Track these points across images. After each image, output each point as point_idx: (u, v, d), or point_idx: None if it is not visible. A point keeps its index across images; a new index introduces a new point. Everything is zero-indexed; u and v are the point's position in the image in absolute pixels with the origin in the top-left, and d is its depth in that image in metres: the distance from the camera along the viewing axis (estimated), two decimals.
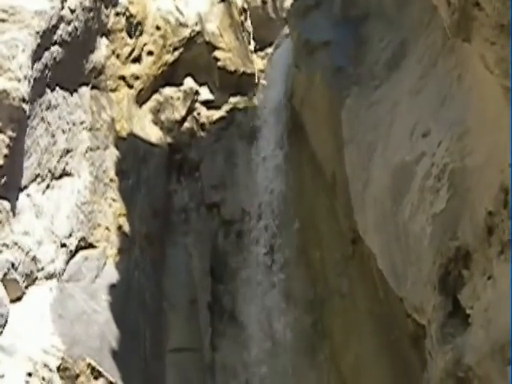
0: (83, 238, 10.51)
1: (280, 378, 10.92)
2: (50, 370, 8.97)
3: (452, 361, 5.14)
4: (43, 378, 8.84)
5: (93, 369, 9.70)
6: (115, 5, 12.31)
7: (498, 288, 4.71)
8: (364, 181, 7.82)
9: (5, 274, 8.57)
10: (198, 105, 13.66)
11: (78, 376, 9.40)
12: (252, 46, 14.69)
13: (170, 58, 13.40)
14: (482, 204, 4.92)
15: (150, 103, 13.20)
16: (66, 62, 10.13)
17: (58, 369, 9.14)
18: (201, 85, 13.79)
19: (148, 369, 11.01)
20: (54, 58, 9.77)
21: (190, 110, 13.54)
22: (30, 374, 8.68)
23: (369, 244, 7.72)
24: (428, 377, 5.89)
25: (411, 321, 6.46)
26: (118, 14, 12.39)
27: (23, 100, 8.60)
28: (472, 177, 5.25)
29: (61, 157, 10.20)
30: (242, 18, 14.59)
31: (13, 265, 8.72)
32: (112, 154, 11.80)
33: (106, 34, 12.08)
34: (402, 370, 7.91)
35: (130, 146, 12.17)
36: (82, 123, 10.93)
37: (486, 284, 4.90)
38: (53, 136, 9.96)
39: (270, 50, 14.10)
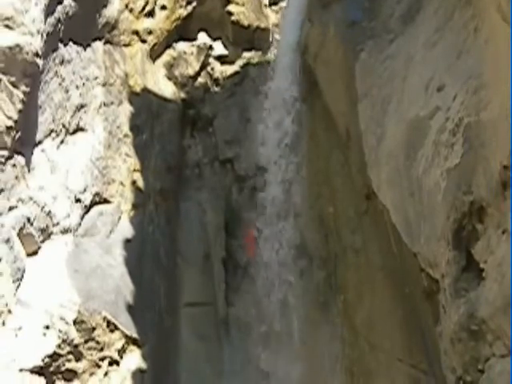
0: (98, 194, 10.56)
1: (294, 333, 10.99)
2: (67, 323, 9.08)
3: (465, 314, 5.16)
4: (60, 331, 8.96)
5: (108, 322, 9.82)
6: None
7: None
8: (378, 136, 7.78)
9: (21, 229, 8.64)
10: (211, 60, 13.59)
11: (94, 329, 9.53)
12: (266, 0, 14.53)
13: (183, 12, 13.30)
14: (497, 158, 4.88)
15: (164, 58, 13.15)
16: (78, 17, 10.08)
17: (75, 322, 9.25)
18: (214, 39, 13.71)
19: (163, 323, 11.11)
20: (67, 13, 9.72)
21: (204, 65, 13.48)
22: (47, 327, 8.79)
23: (382, 199, 7.70)
24: (441, 330, 5.92)
25: (425, 275, 6.46)
26: None
27: (36, 54, 8.58)
28: (487, 131, 5.21)
29: (75, 112, 10.20)
30: None
31: (28, 219, 8.79)
32: (126, 109, 11.78)
33: None
34: (415, 324, 7.94)
35: (143, 102, 12.15)
36: (95, 78, 10.91)
37: (500, 238, 4.89)
38: (67, 91, 9.95)
39: (283, 4, 13.93)
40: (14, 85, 8.43)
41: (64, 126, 9.91)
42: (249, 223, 11.98)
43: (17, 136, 8.54)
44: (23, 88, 8.51)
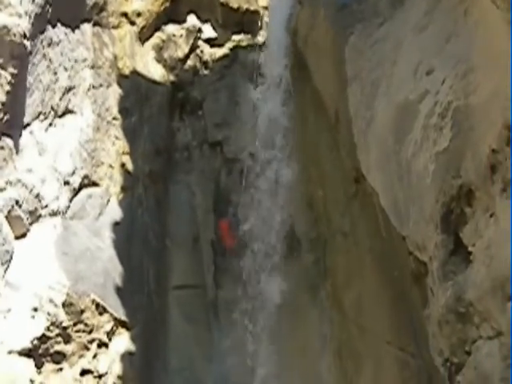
0: (86, 176, 10.54)
1: (282, 315, 11.03)
2: (56, 306, 9.09)
3: (453, 297, 5.19)
4: (49, 313, 8.96)
5: (97, 305, 9.84)
6: None
7: (500, 225, 4.73)
8: (367, 119, 7.78)
9: (9, 211, 8.63)
10: (200, 42, 13.55)
11: (82, 311, 9.54)
12: None
13: None
14: (486, 142, 4.90)
15: (153, 40, 13.10)
16: None
17: (63, 304, 9.26)
18: (204, 22, 13.66)
19: (152, 305, 11.14)
20: None
21: (193, 48, 13.44)
22: (35, 309, 8.80)
23: (371, 182, 7.71)
24: (429, 313, 5.95)
25: (413, 259, 6.48)
26: None
27: (24, 36, 8.53)
28: (476, 115, 5.22)
29: (63, 94, 10.16)
30: None
31: (17, 202, 8.77)
32: (115, 91, 11.75)
33: None
34: (404, 307, 7.98)
35: (132, 84, 12.11)
36: (84, 60, 10.87)
37: (488, 222, 4.92)
38: (55, 73, 9.91)
39: None
40: (2, 66, 8.38)
41: (52, 108, 9.87)
42: (220, 215, 12.03)
43: (5, 118, 8.50)
44: (11, 70, 8.47)
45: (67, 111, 10.30)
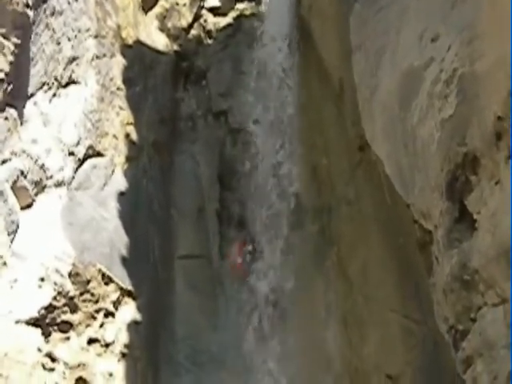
0: (91, 147, 10.54)
1: (288, 285, 11.08)
2: (62, 276, 9.14)
3: (458, 265, 5.20)
4: (55, 283, 9.02)
5: (103, 275, 9.90)
6: None
7: (505, 193, 4.73)
8: (372, 87, 7.74)
9: (14, 182, 8.65)
10: (204, 11, 13.48)
11: (89, 281, 9.60)
12: None
13: None
14: (491, 109, 4.87)
15: (156, 9, 13.04)
16: None
17: (70, 274, 9.32)
18: None
19: (157, 275, 11.20)
20: None
21: (197, 17, 13.37)
22: (42, 279, 8.86)
23: (376, 151, 7.69)
24: (434, 281, 5.97)
25: (418, 227, 6.48)
26: None
27: (27, 5, 8.51)
28: (481, 82, 5.19)
29: (67, 64, 10.13)
30: None
31: (22, 172, 8.79)
32: (118, 61, 11.72)
33: None
34: (408, 275, 8.01)
35: (136, 54, 12.07)
36: (87, 30, 10.82)
37: (493, 189, 4.91)
38: (58, 43, 9.88)
39: None
40: (5, 36, 8.35)
41: (56, 78, 9.84)
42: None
43: (8, 88, 8.49)
44: (14, 40, 8.44)
45: (71, 81, 10.27)
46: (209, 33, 13.39)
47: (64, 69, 10.05)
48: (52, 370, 8.85)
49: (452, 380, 7.09)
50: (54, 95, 9.81)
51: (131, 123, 11.57)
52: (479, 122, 5.10)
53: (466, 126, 5.31)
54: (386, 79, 7.34)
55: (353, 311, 9.99)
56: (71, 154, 10.03)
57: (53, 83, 9.74)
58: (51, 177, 9.55)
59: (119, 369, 9.93)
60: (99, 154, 10.78)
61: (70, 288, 9.33)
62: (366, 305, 9.54)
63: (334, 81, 9.89)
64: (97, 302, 9.80)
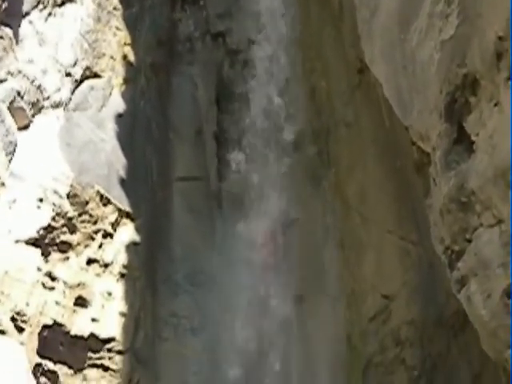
0: (88, 68, 10.45)
1: (284, 207, 11.12)
2: (60, 197, 9.17)
3: (455, 186, 5.21)
4: (54, 204, 9.05)
5: (101, 196, 9.92)
6: None
7: (503, 114, 4.71)
8: (371, 8, 7.63)
9: (11, 102, 8.60)
10: None
11: (87, 202, 9.63)
12: None
13: None
14: (492, 29, 4.81)
15: None
16: None
17: (68, 195, 9.34)
18: None
19: (155, 196, 11.23)
20: None
21: None
22: (41, 200, 8.89)
23: (375, 73, 7.63)
24: (431, 202, 5.99)
25: (416, 148, 6.48)
26: None
27: None
28: (483, 1, 5.12)
29: None
30: None
31: (18, 93, 8.73)
32: None
33: None
34: (406, 197, 8.05)
35: None
36: None
37: (492, 110, 4.89)
38: None
39: None
40: None
41: None
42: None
43: (3, 6, 8.37)
44: None
45: (67, 0, 10.12)
46: None
47: None
48: (52, 288, 8.96)
49: (446, 300, 7.20)
50: (50, 14, 9.68)
51: (128, 44, 11.45)
52: (480, 43, 5.04)
53: (466, 47, 5.25)
54: (385, 0, 7.23)
55: (350, 233, 10.07)
56: (68, 74, 9.95)
57: (48, 2, 9.61)
58: (48, 97, 9.49)
59: (118, 288, 10.06)
60: (96, 75, 10.69)
61: (69, 209, 9.37)
62: (364, 226, 9.61)
63: (334, 2, 9.75)
64: (95, 222, 9.85)
